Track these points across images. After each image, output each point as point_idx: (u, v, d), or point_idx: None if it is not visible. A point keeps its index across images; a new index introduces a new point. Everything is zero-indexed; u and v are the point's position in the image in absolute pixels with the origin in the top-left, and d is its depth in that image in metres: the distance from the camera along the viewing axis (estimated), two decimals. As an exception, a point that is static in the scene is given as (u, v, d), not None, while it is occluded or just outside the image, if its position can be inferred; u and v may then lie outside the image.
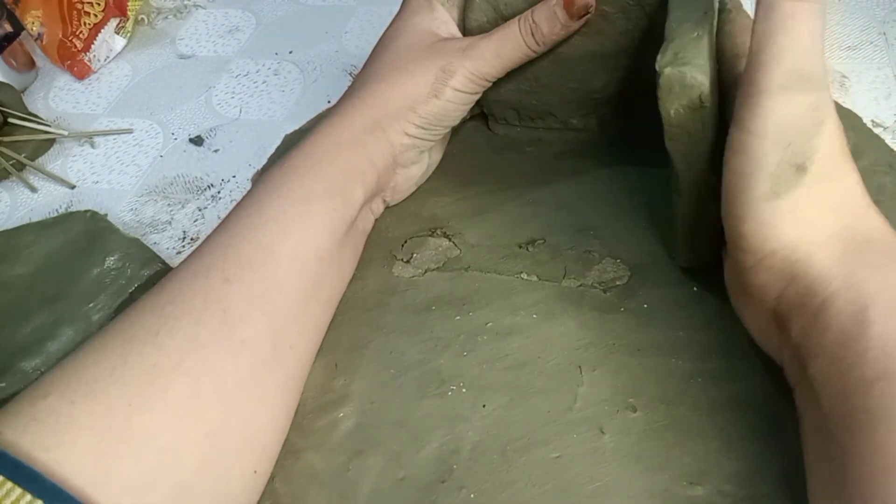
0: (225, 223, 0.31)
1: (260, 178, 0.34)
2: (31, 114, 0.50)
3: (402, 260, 0.37)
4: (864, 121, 0.38)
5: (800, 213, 0.25)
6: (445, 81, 0.34)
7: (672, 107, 0.26)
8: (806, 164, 0.25)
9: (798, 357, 0.26)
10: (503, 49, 0.34)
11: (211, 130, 0.48)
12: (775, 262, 0.26)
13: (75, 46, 0.55)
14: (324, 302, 0.33)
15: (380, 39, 0.38)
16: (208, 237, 0.31)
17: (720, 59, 0.31)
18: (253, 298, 0.29)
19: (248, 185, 0.44)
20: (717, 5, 0.31)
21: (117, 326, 0.27)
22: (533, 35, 0.34)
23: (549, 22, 0.34)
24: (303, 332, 0.31)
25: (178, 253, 0.41)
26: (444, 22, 0.37)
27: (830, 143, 0.25)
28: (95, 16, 0.55)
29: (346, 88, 0.49)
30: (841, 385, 0.23)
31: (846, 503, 0.22)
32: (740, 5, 0.33)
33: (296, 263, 0.30)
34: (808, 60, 0.24)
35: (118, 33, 0.56)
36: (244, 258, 0.29)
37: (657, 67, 0.26)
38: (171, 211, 0.44)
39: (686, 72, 0.26)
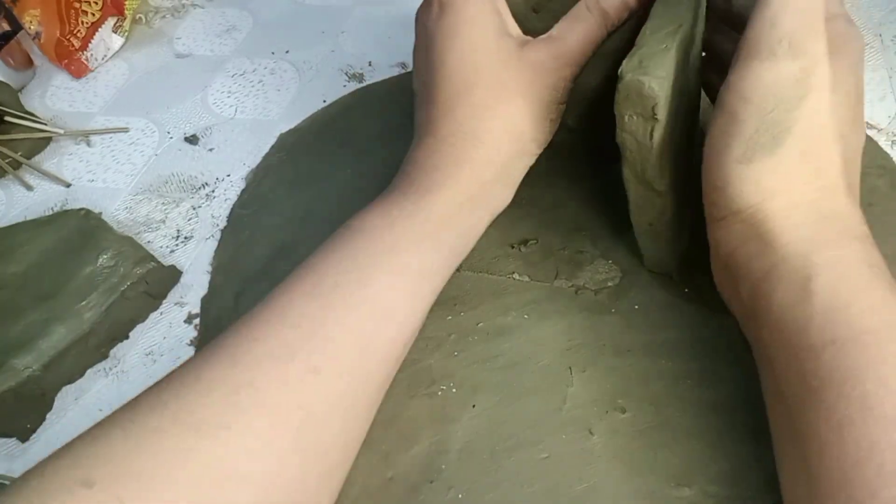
0: None
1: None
2: (27, 112, 0.50)
3: (394, 260, 0.37)
4: (858, 123, 0.38)
5: (767, 180, 0.25)
6: (559, 102, 0.30)
7: (626, 112, 0.27)
8: (782, 134, 0.25)
9: (751, 318, 0.26)
10: (586, 42, 0.31)
11: (206, 129, 0.48)
12: (736, 222, 0.26)
13: (73, 45, 0.55)
14: None
15: (431, 48, 0.31)
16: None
17: None
18: None
19: (243, 185, 0.44)
20: (700, 26, 0.31)
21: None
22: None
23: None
24: None
25: (172, 251, 0.41)
26: (506, 11, 0.31)
27: (811, 117, 0.25)
28: (93, 14, 0.56)
29: (341, 88, 0.50)
30: (791, 350, 0.24)
31: (803, 461, 0.23)
32: None
33: None
34: (800, 30, 0.24)
35: (116, 32, 0.56)
36: None
37: (619, 72, 0.26)
38: (165, 209, 0.44)
39: (645, 81, 0.26)
